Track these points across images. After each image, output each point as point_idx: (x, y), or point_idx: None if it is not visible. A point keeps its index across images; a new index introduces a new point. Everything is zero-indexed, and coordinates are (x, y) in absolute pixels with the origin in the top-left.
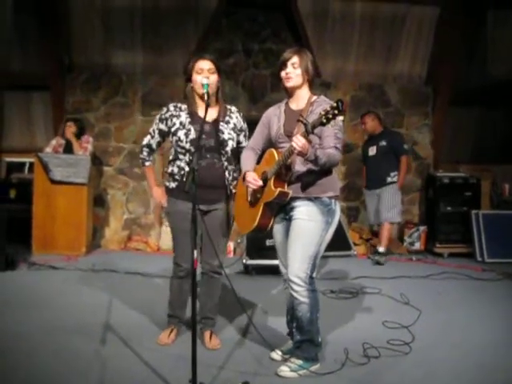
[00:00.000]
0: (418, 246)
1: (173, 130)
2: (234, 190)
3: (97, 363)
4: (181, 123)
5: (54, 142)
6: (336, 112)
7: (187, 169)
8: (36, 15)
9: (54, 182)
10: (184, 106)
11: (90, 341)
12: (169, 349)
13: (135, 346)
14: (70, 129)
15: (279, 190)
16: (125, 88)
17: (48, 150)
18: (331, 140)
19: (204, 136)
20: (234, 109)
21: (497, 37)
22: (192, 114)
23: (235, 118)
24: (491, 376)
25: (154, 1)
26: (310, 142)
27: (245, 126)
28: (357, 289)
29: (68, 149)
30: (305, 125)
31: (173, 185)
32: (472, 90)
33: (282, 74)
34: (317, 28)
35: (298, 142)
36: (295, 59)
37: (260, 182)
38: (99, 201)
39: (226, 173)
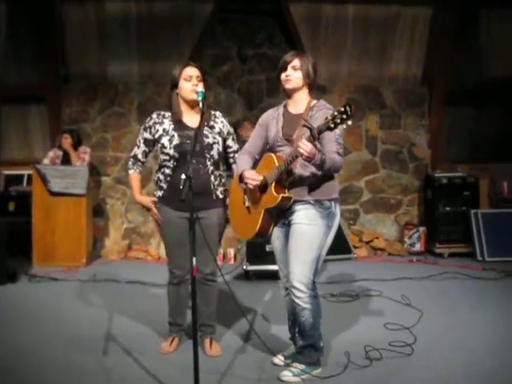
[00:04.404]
0: (418, 247)
1: (156, 136)
2: (220, 196)
3: (99, 374)
4: (164, 130)
5: (51, 153)
6: (344, 117)
7: (173, 176)
8: (30, 27)
9: (52, 193)
10: (168, 114)
11: (92, 351)
12: (171, 357)
13: (137, 355)
14: (67, 140)
15: (282, 195)
16: (121, 97)
17: (46, 161)
18: (333, 145)
19: (188, 141)
20: (218, 114)
21: (490, 36)
22: (176, 120)
23: (220, 122)
24: (493, 376)
25: (148, 9)
26: (315, 146)
27: (232, 129)
28: (357, 292)
29: (65, 160)
30: (310, 129)
31: (159, 193)
32: (467, 89)
33: (282, 76)
34: (310, 32)
35: (305, 147)
36: (296, 62)
37: (260, 177)
38: (98, 211)
39: (212, 177)
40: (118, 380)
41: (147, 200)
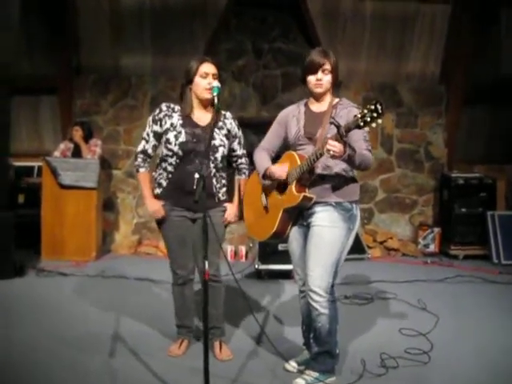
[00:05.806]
0: (432, 248)
1: (163, 129)
2: (222, 198)
3: (106, 375)
4: (172, 124)
5: (62, 145)
6: (375, 115)
7: (174, 174)
8: (44, 18)
9: (62, 186)
10: (177, 107)
11: (99, 351)
12: (180, 360)
13: (145, 357)
14: (78, 133)
15: (303, 194)
16: (134, 90)
17: (56, 153)
18: (362, 143)
19: (195, 140)
20: (228, 114)
21: (510, 34)
22: (185, 116)
23: (229, 123)
24: None
25: (162, 2)
26: (344, 143)
27: (239, 133)
28: (372, 294)
29: (76, 152)
30: (337, 127)
31: (158, 191)
32: (486, 88)
33: (311, 78)
34: (327, 27)
35: (333, 146)
36: (328, 65)
37: (286, 168)
38: (109, 205)
39: (214, 180)
40: (124, 382)
41: (159, 207)
